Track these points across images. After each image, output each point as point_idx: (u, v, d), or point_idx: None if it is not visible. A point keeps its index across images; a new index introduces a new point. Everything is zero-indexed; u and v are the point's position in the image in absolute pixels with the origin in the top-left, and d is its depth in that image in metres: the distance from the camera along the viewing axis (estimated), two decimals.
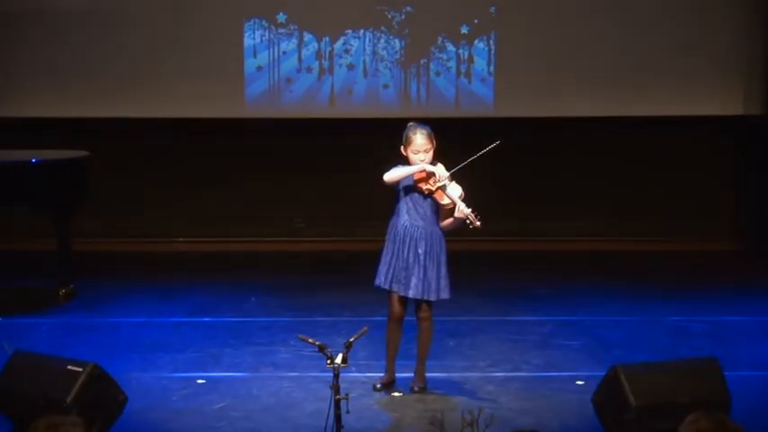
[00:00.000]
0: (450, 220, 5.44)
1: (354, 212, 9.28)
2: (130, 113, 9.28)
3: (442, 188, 5.40)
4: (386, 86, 9.46)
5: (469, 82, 9.45)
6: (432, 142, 5.46)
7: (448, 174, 5.44)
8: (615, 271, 8.68)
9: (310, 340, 4.68)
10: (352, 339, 4.75)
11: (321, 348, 4.59)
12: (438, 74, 9.45)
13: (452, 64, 9.43)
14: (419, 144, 5.45)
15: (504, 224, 8.98)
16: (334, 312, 7.32)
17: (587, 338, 6.73)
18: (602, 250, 9.26)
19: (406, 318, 5.70)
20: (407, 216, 5.50)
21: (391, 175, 5.44)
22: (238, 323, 7.12)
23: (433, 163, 5.47)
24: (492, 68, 9.42)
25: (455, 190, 5.42)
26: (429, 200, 5.49)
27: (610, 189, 9.55)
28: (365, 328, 4.84)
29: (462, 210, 5.34)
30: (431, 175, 5.42)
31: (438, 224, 5.53)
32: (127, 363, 6.14)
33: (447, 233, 5.56)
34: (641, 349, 6.45)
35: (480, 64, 9.43)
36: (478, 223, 5.31)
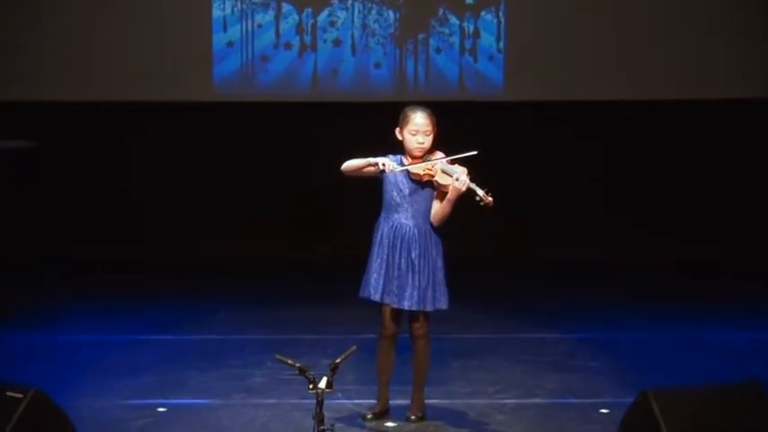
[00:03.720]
0: (444, 202, 5.40)
1: (341, 213, 9.33)
2: (76, 96, 9.31)
3: (444, 170, 5.39)
4: (378, 66, 9.49)
5: (475, 60, 9.49)
6: (433, 125, 5.48)
7: (442, 155, 5.45)
8: (641, 279, 8.71)
9: (290, 361, 4.68)
10: (338, 360, 4.75)
11: (302, 371, 4.60)
12: (439, 51, 9.49)
13: (455, 39, 9.47)
14: (418, 124, 5.45)
15: (511, 225, 9.05)
16: (317, 329, 7.32)
17: (611, 359, 6.76)
18: (624, 257, 9.36)
19: (399, 335, 5.69)
20: (397, 214, 5.49)
21: (346, 165, 5.45)
22: (205, 341, 7.14)
23: (430, 151, 5.49)
24: (501, 44, 9.46)
25: (456, 167, 5.41)
26: (423, 192, 5.47)
27: (634, 186, 9.66)
28: (353, 348, 4.85)
29: (466, 183, 5.27)
30: (419, 161, 5.41)
31: (431, 218, 5.51)
32: (75, 387, 6.13)
33: (442, 226, 5.52)
34: (674, 370, 6.49)
35: (488, 39, 9.47)
36: (490, 198, 5.27)
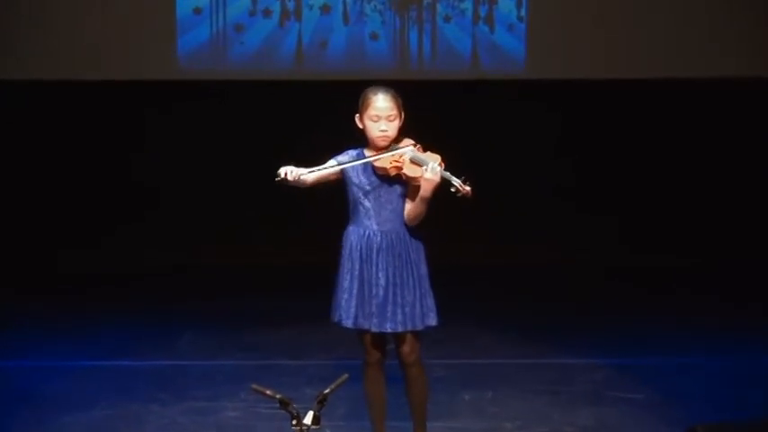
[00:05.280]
0: (417, 199, 5.37)
1: (331, 212, 9.23)
2: (14, 75, 9.34)
3: (413, 159, 5.36)
4: (374, 37, 9.53)
5: (491, 30, 9.53)
6: (398, 109, 5.47)
7: (412, 143, 5.43)
8: (686, 295, 8.79)
9: (268, 392, 4.68)
10: (326, 391, 4.73)
11: (284, 404, 4.60)
12: (448, 19, 9.53)
13: (468, 5, 9.51)
14: (380, 108, 5.43)
15: (517, 220, 9.17)
16: (301, 353, 7.34)
17: (654, 389, 6.79)
18: (666, 266, 9.46)
19: (389, 362, 5.68)
20: (367, 220, 5.50)
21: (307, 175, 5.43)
22: (168, 368, 7.15)
23: (398, 139, 5.47)
24: (523, 11, 9.49)
25: (428, 157, 5.38)
26: (395, 190, 5.47)
27: (672, 177, 9.80)
28: (345, 376, 4.83)
29: (438, 172, 5.24)
30: (380, 150, 5.39)
31: (405, 219, 5.50)
32: (14, 422, 6.16)
33: (419, 225, 5.50)
34: (728, 402, 6.51)
35: (506, 5, 9.52)
36: (468, 188, 5.25)
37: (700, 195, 9.93)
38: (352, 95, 8.96)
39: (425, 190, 5.30)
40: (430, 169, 5.26)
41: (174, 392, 6.72)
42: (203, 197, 9.78)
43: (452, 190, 5.23)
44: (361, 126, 5.48)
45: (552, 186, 9.76)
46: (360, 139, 5.48)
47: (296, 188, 5.42)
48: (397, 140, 5.44)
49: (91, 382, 6.90)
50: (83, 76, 9.35)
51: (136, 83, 9.42)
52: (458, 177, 5.24)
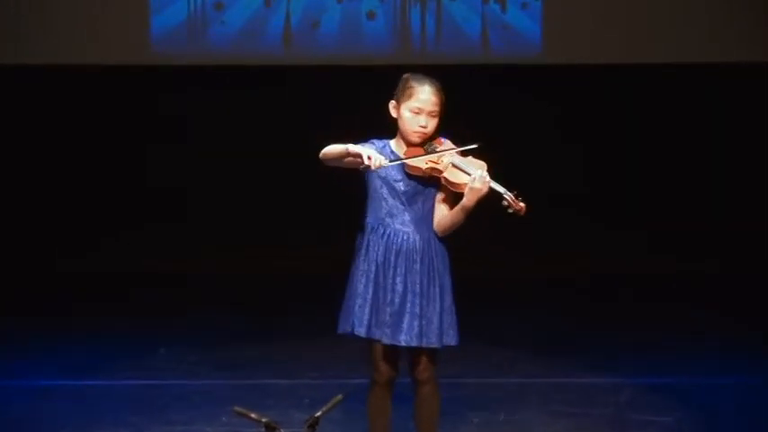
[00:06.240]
0: (458, 208, 5.38)
1: (321, 212, 9.36)
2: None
3: (455, 164, 5.34)
4: (371, 16, 9.58)
5: (503, 9, 9.57)
6: (442, 105, 5.47)
7: (449, 143, 5.43)
8: (716, 307, 8.82)
9: (253, 415, 4.71)
10: (318, 414, 4.77)
11: (270, 428, 4.62)
12: None
13: None
14: (424, 101, 5.43)
15: (540, 234, 9.16)
16: (290, 372, 7.34)
17: (687, 411, 6.79)
18: (694, 271, 9.54)
19: (397, 380, 5.65)
20: (390, 219, 5.49)
21: (324, 151, 5.37)
22: (141, 388, 7.14)
23: (433, 138, 5.45)
24: None
25: (471, 163, 5.38)
26: (425, 190, 5.47)
27: (701, 174, 9.91)
28: (338, 397, 4.87)
29: (488, 182, 5.22)
30: (418, 151, 5.38)
31: (435, 227, 5.51)
32: None
33: (449, 235, 5.52)
34: (765, 425, 6.57)
35: None
36: (522, 204, 5.25)
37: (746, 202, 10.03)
38: (346, 82, 8.91)
39: (470, 200, 5.28)
40: (478, 178, 5.24)
41: (148, 414, 6.70)
42: (179, 187, 9.89)
43: (504, 204, 5.23)
44: (395, 115, 5.45)
45: (569, 194, 9.90)
46: (390, 128, 5.46)
47: (340, 168, 5.39)
48: (431, 138, 5.43)
49: (52, 404, 6.86)
50: (47, 60, 9.43)
51: (109, 68, 9.50)
52: (509, 190, 5.24)
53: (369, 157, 5.20)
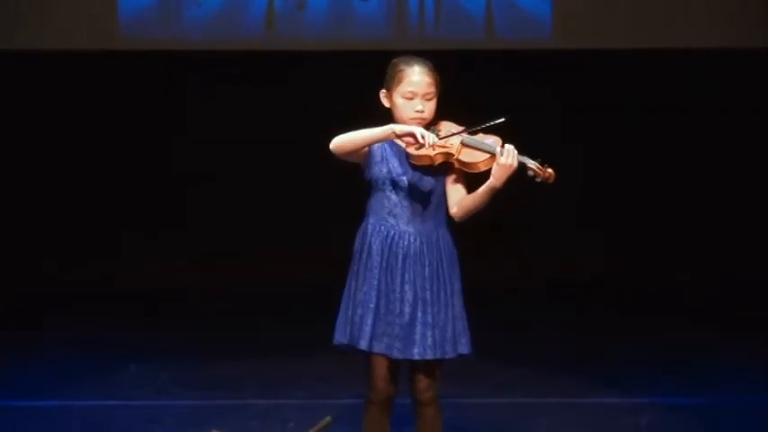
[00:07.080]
0: (485, 188, 5.25)
1: (312, 212, 9.40)
2: None
3: (466, 143, 5.27)
4: None
5: None
6: (437, 85, 5.42)
7: (453, 125, 5.34)
8: (743, 315, 8.80)
9: None
10: None
11: None
12: None
13: None
14: (416, 83, 5.35)
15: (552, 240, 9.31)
16: (273, 391, 7.23)
17: None
18: (715, 274, 9.55)
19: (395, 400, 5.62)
20: (393, 218, 5.40)
21: (344, 139, 5.28)
22: (107, 409, 7.02)
23: (434, 121, 5.41)
24: None
25: (485, 138, 5.33)
26: (431, 183, 5.40)
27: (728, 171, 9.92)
28: (327, 419, 5.02)
29: (516, 156, 5.13)
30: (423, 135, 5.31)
31: (445, 223, 5.45)
32: None
33: (463, 223, 5.42)
34: None
35: None
36: (550, 170, 5.19)
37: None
38: (335, 69, 8.72)
39: (498, 179, 5.17)
40: (505, 153, 5.14)
41: None
42: (151, 185, 9.77)
43: (530, 174, 5.17)
44: (387, 104, 5.41)
45: (582, 199, 9.81)
46: (383, 120, 5.33)
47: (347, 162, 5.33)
48: (432, 123, 5.36)
49: (11, 427, 6.75)
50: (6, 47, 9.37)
51: (70, 53, 9.34)
52: (533, 159, 5.22)
53: (422, 136, 5.15)
